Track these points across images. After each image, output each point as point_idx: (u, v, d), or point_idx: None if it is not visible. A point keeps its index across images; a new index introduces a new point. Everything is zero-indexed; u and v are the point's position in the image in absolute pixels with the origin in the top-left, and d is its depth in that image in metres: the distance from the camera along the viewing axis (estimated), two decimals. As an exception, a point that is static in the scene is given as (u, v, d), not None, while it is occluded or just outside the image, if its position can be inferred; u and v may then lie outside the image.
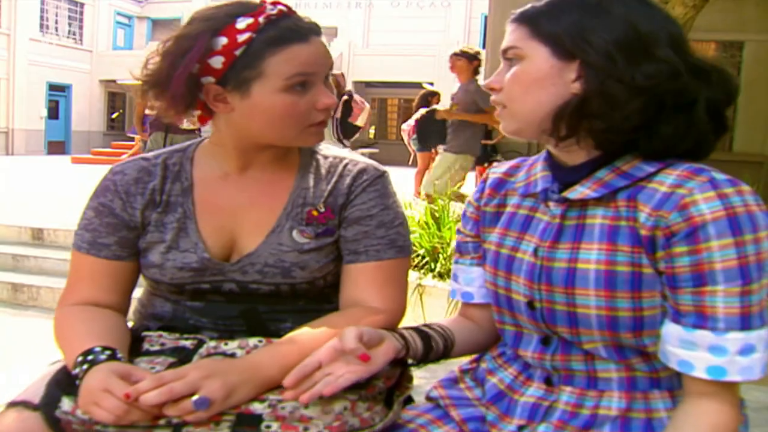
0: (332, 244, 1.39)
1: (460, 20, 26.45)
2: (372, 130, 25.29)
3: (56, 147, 25.72)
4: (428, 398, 1.38)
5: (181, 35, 1.27)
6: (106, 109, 28.78)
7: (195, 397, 1.07)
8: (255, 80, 1.26)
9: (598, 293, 1.09)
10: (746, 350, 1.00)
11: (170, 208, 1.39)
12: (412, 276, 3.66)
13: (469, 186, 10.84)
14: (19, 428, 1.15)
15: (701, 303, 1.02)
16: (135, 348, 1.31)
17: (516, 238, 1.25)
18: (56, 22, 26.54)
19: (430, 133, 10.35)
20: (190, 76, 1.26)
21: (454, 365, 1.42)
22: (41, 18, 25.51)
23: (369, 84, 25.63)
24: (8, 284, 5.94)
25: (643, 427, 1.11)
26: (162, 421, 1.09)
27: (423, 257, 4.01)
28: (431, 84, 22.27)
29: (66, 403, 1.13)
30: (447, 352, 1.30)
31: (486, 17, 21.77)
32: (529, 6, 1.17)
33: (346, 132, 7.12)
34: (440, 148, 10.52)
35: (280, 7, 1.28)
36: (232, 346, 1.28)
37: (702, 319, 1.02)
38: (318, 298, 1.41)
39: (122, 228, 1.38)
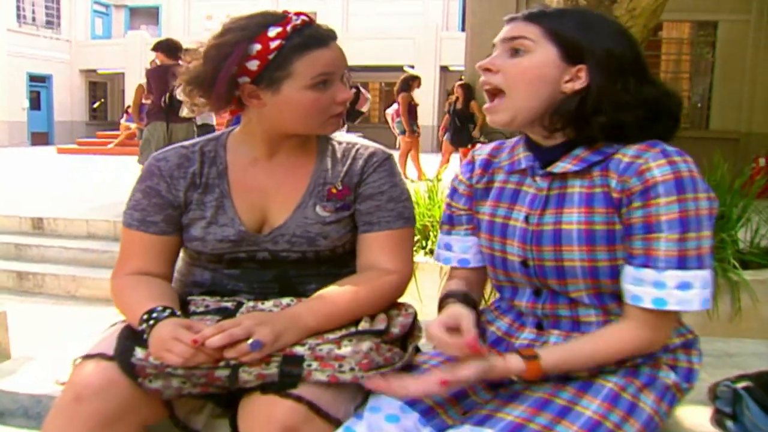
0: (349, 217, 1.63)
1: (438, 3, 26.54)
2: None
3: (40, 138, 25.69)
4: None
5: (221, 43, 1.49)
6: (88, 98, 28.71)
7: (250, 341, 1.30)
8: (285, 80, 1.49)
9: (580, 248, 1.34)
10: (683, 286, 1.24)
11: (209, 189, 1.62)
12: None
13: (454, 167, 11.09)
14: (100, 375, 1.37)
15: (648, 247, 1.27)
16: (182, 311, 1.53)
17: (507, 208, 1.48)
18: (33, 12, 26.35)
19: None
20: (230, 77, 1.48)
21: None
22: (18, 8, 25.32)
23: (349, 68, 25.57)
24: (13, 272, 6.15)
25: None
26: (222, 363, 1.33)
27: (414, 235, 4.23)
28: (412, 67, 22.51)
29: (139, 352, 1.36)
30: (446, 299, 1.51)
31: (464, 0, 21.96)
32: (537, 9, 1.39)
33: (351, 116, 7.35)
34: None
35: (302, 17, 1.52)
36: (267, 305, 1.52)
37: (647, 260, 1.27)
38: (338, 263, 1.64)
39: (168, 207, 1.60)
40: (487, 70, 1.39)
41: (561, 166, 1.38)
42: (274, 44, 1.47)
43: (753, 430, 1.39)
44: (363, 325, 1.46)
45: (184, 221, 1.62)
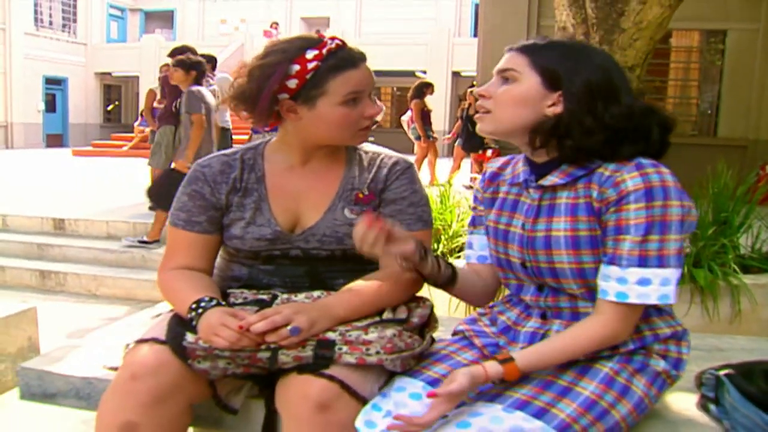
0: None
1: (450, 8, 26.72)
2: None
3: (54, 140, 26.00)
4: (455, 332, 1.82)
5: (265, 64, 1.67)
6: (102, 101, 29.01)
7: (289, 327, 1.49)
8: (320, 97, 1.68)
9: (568, 252, 1.53)
10: (642, 282, 1.43)
11: (248, 193, 1.80)
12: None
13: (465, 172, 11.27)
14: (154, 356, 1.56)
15: (616, 247, 1.45)
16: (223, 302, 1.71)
17: (508, 216, 1.68)
18: (50, 16, 26.69)
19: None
20: (272, 94, 1.66)
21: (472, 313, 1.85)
22: (35, 12, 25.67)
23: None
24: (36, 271, 6.36)
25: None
26: (263, 346, 1.51)
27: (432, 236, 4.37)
28: (424, 72, 22.67)
29: (190, 337, 1.54)
30: (454, 277, 1.70)
31: (477, 5, 22.00)
32: (531, 41, 1.59)
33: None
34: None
35: (336, 41, 1.70)
36: (300, 297, 1.71)
37: (614, 258, 1.46)
38: (362, 261, 1.80)
39: (210, 209, 1.79)
40: (482, 95, 1.60)
41: (549, 180, 1.58)
42: (311, 65, 1.65)
43: (732, 412, 1.56)
44: (387, 315, 1.64)
45: (225, 221, 1.79)
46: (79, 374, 1.90)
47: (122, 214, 7.61)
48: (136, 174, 12.25)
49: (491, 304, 1.83)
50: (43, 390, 1.93)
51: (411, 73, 22.78)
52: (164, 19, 30.77)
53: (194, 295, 1.63)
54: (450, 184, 5.83)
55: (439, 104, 20.58)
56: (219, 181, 1.79)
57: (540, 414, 1.40)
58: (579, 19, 3.98)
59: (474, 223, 1.84)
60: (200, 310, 1.58)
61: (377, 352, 1.52)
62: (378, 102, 1.79)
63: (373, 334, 1.55)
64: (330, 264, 1.80)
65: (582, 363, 1.53)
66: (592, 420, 1.42)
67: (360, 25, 27.80)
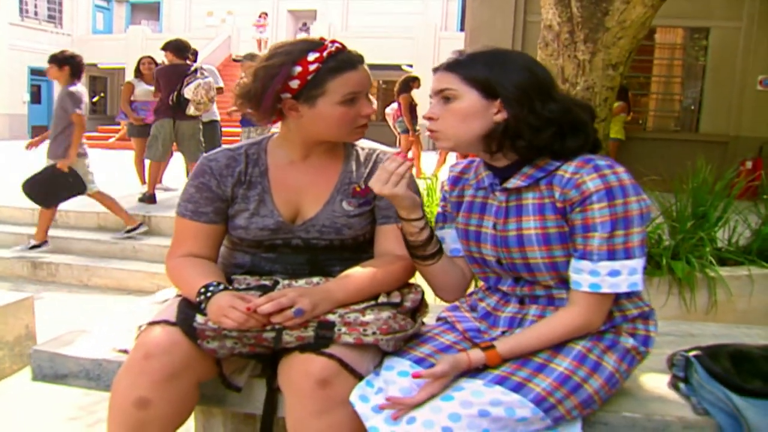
0: (369, 211, 1.94)
1: (437, 3, 26.80)
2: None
3: (40, 131, 25.44)
4: (438, 319, 1.95)
5: (269, 65, 1.79)
6: (88, 93, 28.79)
7: (293, 309, 1.61)
8: (320, 96, 1.79)
9: (540, 248, 1.67)
10: (613, 273, 1.58)
11: (252, 186, 1.91)
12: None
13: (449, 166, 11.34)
14: (166, 337, 1.68)
15: (585, 243, 1.60)
16: None
17: (478, 218, 1.82)
18: (35, 7, 26.50)
19: None
20: (275, 93, 1.77)
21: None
22: (20, 2, 25.48)
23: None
24: (28, 262, 6.42)
25: None
26: (269, 327, 1.63)
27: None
28: (410, 66, 22.74)
29: (199, 318, 1.66)
30: (439, 252, 1.84)
31: (464, 0, 22.07)
32: (453, 58, 1.72)
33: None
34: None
35: (336, 45, 1.82)
36: (300, 283, 1.83)
37: (585, 253, 1.60)
38: (358, 249, 1.95)
39: (217, 200, 1.90)
40: (430, 118, 1.73)
41: (513, 183, 1.71)
42: (312, 67, 1.77)
43: (699, 390, 1.70)
44: (382, 299, 1.77)
45: (230, 212, 1.91)
46: (89, 356, 2.01)
47: (113, 206, 7.66)
48: (124, 166, 12.26)
49: (470, 291, 1.97)
50: (55, 371, 2.04)
51: (397, 67, 22.85)
52: (150, 10, 30.68)
53: (202, 281, 1.74)
54: (436, 177, 5.95)
55: (425, 98, 20.62)
56: (225, 174, 1.91)
57: (518, 388, 1.54)
58: (564, 17, 4.08)
59: (445, 219, 1.95)
60: (209, 294, 1.69)
61: (373, 333, 1.65)
62: (373, 100, 1.91)
63: (370, 316, 1.68)
64: (328, 252, 1.93)
65: None
66: (566, 393, 1.56)
67: (347, 18, 27.82)
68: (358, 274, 1.80)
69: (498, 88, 1.65)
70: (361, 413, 1.56)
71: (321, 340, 1.64)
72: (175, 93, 7.62)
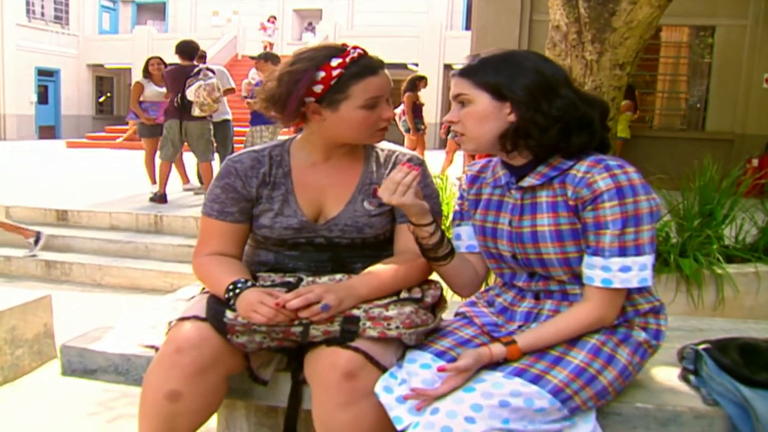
0: (389, 211, 2.00)
1: (442, 1, 26.81)
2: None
3: (47, 131, 25.98)
4: (457, 314, 2.03)
5: (294, 70, 1.85)
6: (94, 93, 29.00)
7: (320, 304, 1.68)
8: (343, 101, 1.86)
9: (554, 244, 1.74)
10: (624, 269, 1.65)
11: (276, 186, 1.98)
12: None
13: (458, 164, 11.42)
14: (196, 332, 1.75)
15: (597, 240, 1.67)
16: None
17: (495, 215, 1.89)
18: (42, 7, 26.58)
19: None
20: (299, 98, 1.84)
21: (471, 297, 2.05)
22: (27, 3, 25.58)
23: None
24: (42, 261, 6.50)
25: None
26: (296, 322, 1.70)
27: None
28: (416, 65, 22.77)
29: (229, 314, 1.73)
30: (451, 253, 1.89)
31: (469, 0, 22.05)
32: (466, 64, 1.79)
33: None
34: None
35: (358, 51, 1.88)
36: (324, 279, 1.90)
37: (597, 250, 1.67)
38: (379, 247, 2.02)
39: (242, 200, 1.97)
40: (451, 121, 1.81)
41: (527, 181, 1.79)
42: (335, 72, 1.83)
43: (709, 381, 1.77)
44: (403, 295, 1.84)
45: (254, 212, 1.98)
46: (118, 351, 2.08)
47: (125, 205, 7.76)
48: (133, 166, 12.36)
49: (487, 288, 2.04)
50: (84, 366, 2.10)
51: (403, 66, 22.86)
52: (156, 10, 30.78)
53: (229, 278, 1.81)
54: (445, 176, 6.01)
55: (430, 97, 20.68)
56: (250, 176, 1.97)
57: (536, 380, 1.61)
58: (572, 18, 4.12)
59: (462, 217, 2.03)
60: (237, 291, 1.76)
61: (397, 327, 1.72)
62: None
63: (393, 311, 1.75)
64: (350, 250, 1.99)
65: None
66: (582, 385, 1.63)
67: (352, 17, 27.87)
68: (380, 271, 1.87)
69: (506, 91, 1.73)
70: (385, 404, 1.63)
71: (347, 334, 1.71)
72: (180, 95, 7.70)
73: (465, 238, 2.00)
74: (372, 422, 1.66)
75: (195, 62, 8.01)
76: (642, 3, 3.97)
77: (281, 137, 2.11)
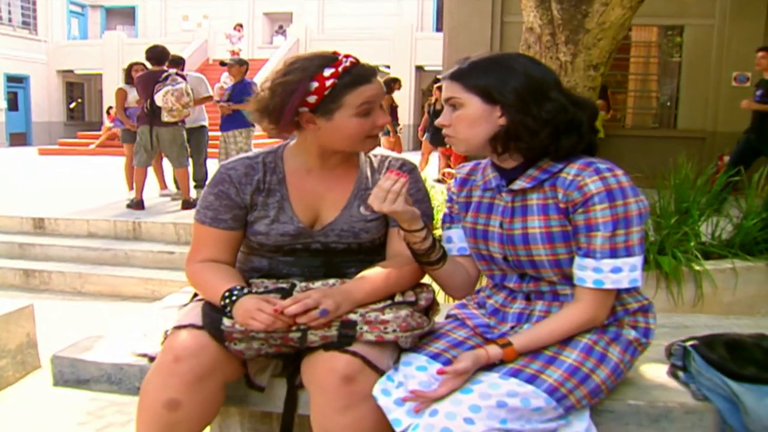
0: (385, 216, 2.00)
1: (413, 3, 26.86)
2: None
3: (18, 139, 25.67)
4: (448, 316, 2.05)
5: (287, 81, 1.87)
6: (65, 99, 28.72)
7: (319, 309, 1.69)
8: (337, 110, 1.87)
9: (544, 246, 1.77)
10: (615, 270, 1.69)
11: (271, 193, 1.99)
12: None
13: (432, 167, 11.47)
14: (194, 340, 1.76)
15: (589, 242, 1.70)
16: None
17: (485, 217, 1.92)
18: (9, 13, 26.25)
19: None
20: (294, 108, 1.86)
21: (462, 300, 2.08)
22: (-6, 9, 25.42)
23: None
24: (20, 270, 6.46)
25: None
26: (294, 327, 1.72)
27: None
28: (388, 67, 22.80)
29: (226, 321, 1.74)
30: (443, 257, 1.93)
31: (439, 1, 22.04)
32: (457, 67, 1.82)
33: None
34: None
35: (351, 59, 1.90)
36: (317, 284, 1.91)
37: (588, 252, 1.71)
38: (372, 252, 2.04)
39: (235, 208, 1.98)
40: (443, 125, 1.84)
41: (518, 184, 1.82)
42: (329, 82, 1.84)
43: (697, 377, 1.82)
44: (398, 298, 1.86)
45: (249, 219, 1.99)
46: (110, 360, 2.08)
47: (103, 213, 7.71)
48: (107, 172, 12.29)
49: (477, 289, 2.07)
50: (77, 376, 2.10)
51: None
52: (125, 15, 30.53)
53: (224, 285, 1.83)
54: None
55: (403, 99, 20.75)
56: (244, 183, 1.98)
57: (531, 379, 1.64)
58: (545, 20, 4.17)
59: (452, 219, 2.05)
60: (234, 298, 1.77)
61: (393, 330, 1.75)
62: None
63: (389, 315, 1.77)
64: (345, 255, 2.01)
65: None
66: (576, 383, 1.67)
67: (323, 20, 27.83)
68: (374, 275, 1.89)
69: (496, 94, 1.75)
70: (383, 406, 1.65)
71: (344, 338, 1.73)
72: (148, 100, 7.68)
73: (456, 240, 2.03)
74: (371, 425, 1.68)
75: (165, 67, 7.98)
76: (614, 4, 4.03)
77: (280, 143, 2.10)
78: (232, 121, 8.49)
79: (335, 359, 1.70)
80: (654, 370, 1.98)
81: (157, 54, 7.97)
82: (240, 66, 8.62)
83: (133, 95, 8.65)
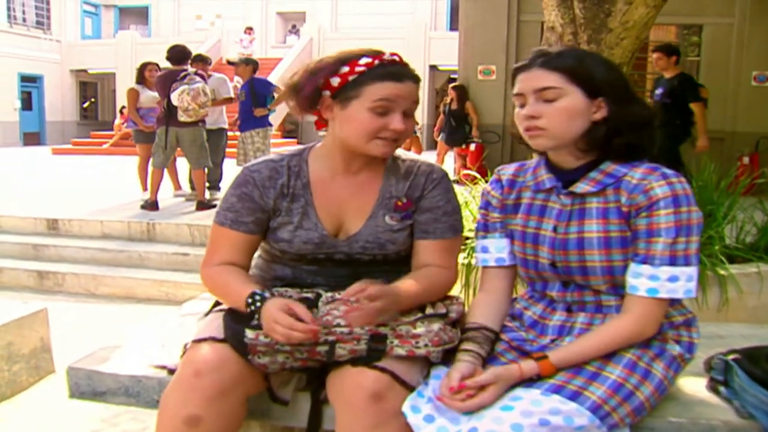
0: (411, 225, 1.94)
1: (426, 2, 26.80)
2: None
3: (32, 138, 25.82)
4: None
5: (323, 60, 1.83)
6: (79, 98, 28.85)
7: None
8: (354, 99, 1.79)
9: (600, 252, 1.70)
10: (672, 278, 1.62)
11: (295, 199, 1.92)
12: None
13: (448, 165, 11.39)
14: (215, 354, 1.69)
15: (648, 248, 1.64)
16: None
17: (537, 220, 1.83)
18: (24, 13, 26.42)
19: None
20: (315, 87, 1.81)
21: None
22: (8, 8, 25.44)
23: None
24: (33, 272, 6.42)
25: None
26: (321, 340, 1.65)
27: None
28: (401, 66, 22.72)
29: (249, 333, 1.67)
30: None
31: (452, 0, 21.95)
32: (547, 55, 1.72)
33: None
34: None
35: (394, 56, 1.83)
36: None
37: (646, 258, 1.64)
38: (399, 263, 1.96)
39: (258, 211, 1.91)
40: (532, 117, 1.72)
41: (581, 188, 1.74)
42: (358, 69, 1.78)
43: (741, 393, 1.73)
44: (429, 310, 1.79)
45: (272, 225, 1.92)
46: (128, 373, 2.01)
47: (117, 214, 7.67)
48: (121, 172, 12.26)
49: (511, 298, 1.98)
50: (93, 389, 2.04)
51: (389, 67, 22.80)
52: (139, 15, 30.62)
53: (248, 288, 1.76)
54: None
55: (422, 98, 20.66)
56: (267, 186, 1.91)
57: (574, 396, 1.56)
58: (567, 19, 4.10)
59: (486, 228, 1.96)
60: (258, 303, 1.70)
61: (425, 345, 1.67)
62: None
63: (421, 329, 1.70)
64: (370, 266, 1.94)
65: None
66: (620, 401, 1.58)
67: (336, 19, 27.82)
68: (409, 286, 1.80)
69: (602, 86, 1.69)
70: (413, 424, 1.58)
71: (373, 353, 1.65)
72: (165, 100, 7.64)
73: (493, 251, 1.94)
74: None
75: (187, 66, 7.93)
76: (638, 3, 3.95)
77: (299, 146, 2.04)
78: (250, 120, 8.44)
79: (363, 375, 1.63)
80: (693, 385, 1.89)
81: (177, 53, 7.93)
82: (246, 65, 8.55)
83: (145, 95, 8.61)
